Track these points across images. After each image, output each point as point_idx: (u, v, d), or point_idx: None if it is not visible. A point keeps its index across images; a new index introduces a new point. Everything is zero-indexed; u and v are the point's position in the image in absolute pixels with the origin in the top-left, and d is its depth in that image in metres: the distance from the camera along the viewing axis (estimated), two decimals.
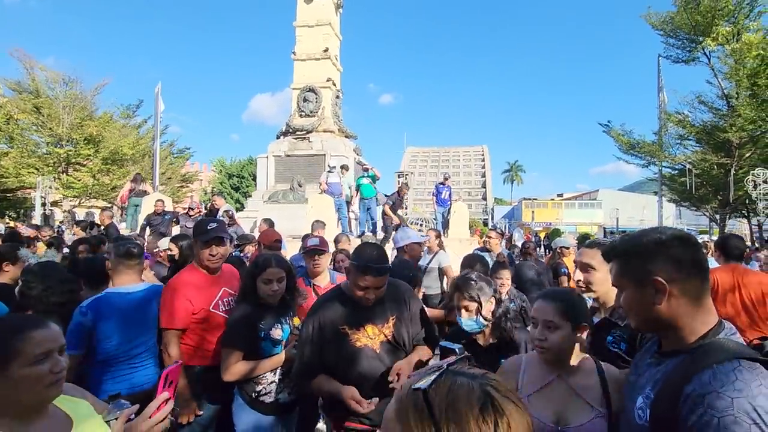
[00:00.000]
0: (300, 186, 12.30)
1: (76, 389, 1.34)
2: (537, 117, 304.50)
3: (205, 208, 10.40)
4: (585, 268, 1.90)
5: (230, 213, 8.10)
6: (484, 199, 69.27)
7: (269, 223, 6.94)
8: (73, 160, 19.49)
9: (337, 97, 13.84)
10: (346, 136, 13.87)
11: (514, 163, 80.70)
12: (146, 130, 22.01)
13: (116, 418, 1.22)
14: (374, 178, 10.36)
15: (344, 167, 10.92)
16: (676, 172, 18.81)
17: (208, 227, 2.39)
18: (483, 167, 76.47)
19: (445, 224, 11.43)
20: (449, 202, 11.76)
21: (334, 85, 13.63)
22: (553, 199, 57.62)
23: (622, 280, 1.09)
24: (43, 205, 17.35)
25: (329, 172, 10.33)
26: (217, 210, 8.62)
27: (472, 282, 1.97)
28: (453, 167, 73.84)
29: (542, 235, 29.12)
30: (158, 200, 9.28)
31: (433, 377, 0.61)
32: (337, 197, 10.01)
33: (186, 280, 2.37)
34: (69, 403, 1.24)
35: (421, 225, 21.82)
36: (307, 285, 2.94)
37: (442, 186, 11.72)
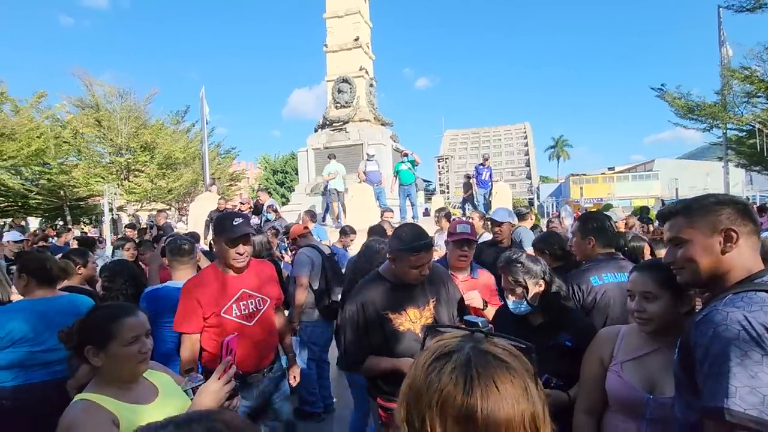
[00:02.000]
0: None
1: (157, 365, 1.59)
2: (582, 88, 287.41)
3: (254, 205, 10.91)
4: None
5: (274, 207, 8.45)
6: (529, 177, 66.90)
7: (311, 214, 7.19)
8: (133, 167, 20.99)
9: (371, 85, 13.90)
10: (382, 124, 13.94)
11: (559, 138, 77.08)
12: (194, 134, 23.24)
13: (192, 389, 1.43)
14: (413, 164, 10.36)
15: (331, 156, 11.10)
16: (744, 134, 17.21)
17: (234, 223, 2.17)
18: (526, 145, 73.70)
19: (487, 206, 11.26)
20: (490, 183, 11.55)
21: (367, 73, 13.68)
22: (603, 173, 54.54)
23: (690, 230, 1.13)
24: (111, 210, 18.92)
25: (367, 160, 10.47)
26: (262, 205, 9.03)
27: (519, 265, 1.90)
28: (494, 147, 71.75)
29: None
30: (220, 198, 9.94)
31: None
32: (376, 185, 10.14)
33: (201, 282, 2.23)
34: (155, 375, 1.48)
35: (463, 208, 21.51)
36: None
37: (482, 167, 11.52)
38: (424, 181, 11.92)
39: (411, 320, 2.01)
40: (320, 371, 3.88)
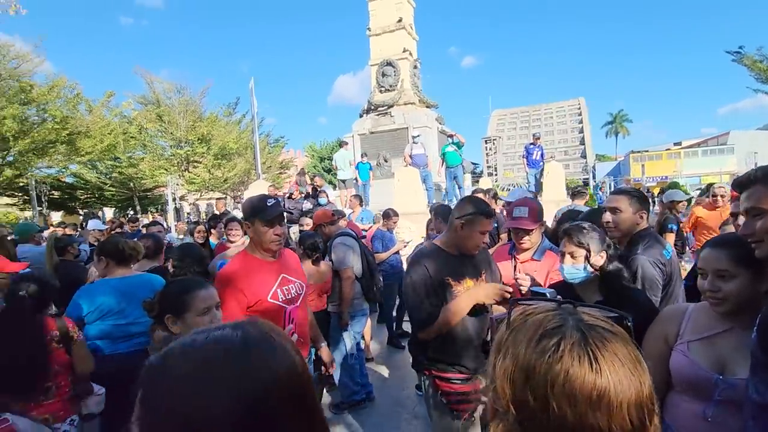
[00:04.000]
0: (386, 161, 12.61)
1: None
2: (644, 57, 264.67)
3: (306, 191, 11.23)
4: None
5: (325, 191, 8.65)
6: (584, 156, 63.32)
7: (359, 199, 7.31)
8: (192, 159, 22.34)
9: (415, 67, 13.68)
10: (427, 106, 13.74)
11: (617, 113, 71.83)
12: (246, 125, 24.23)
13: None
14: (459, 145, 10.17)
15: (342, 144, 11.19)
16: None
17: (268, 204, 2.10)
18: (580, 122, 69.56)
19: (539, 186, 10.85)
20: (541, 163, 11.10)
21: (411, 55, 13.48)
22: (668, 149, 50.34)
23: None
24: (174, 199, 20.35)
25: (413, 144, 10.40)
26: (319, 189, 9.27)
27: (584, 229, 1.83)
28: (545, 126, 68.39)
29: (656, 191, 25.89)
30: (270, 185, 10.38)
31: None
32: (422, 168, 10.08)
33: (240, 269, 2.11)
34: None
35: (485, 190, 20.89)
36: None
37: (532, 146, 11.08)
38: (472, 163, 11.68)
39: (467, 289, 2.09)
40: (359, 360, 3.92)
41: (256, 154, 15.97)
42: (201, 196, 24.11)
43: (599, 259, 1.78)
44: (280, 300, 2.09)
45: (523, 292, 2.19)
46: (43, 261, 4.18)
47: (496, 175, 23.57)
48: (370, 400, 3.76)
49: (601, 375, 0.54)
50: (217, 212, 10.04)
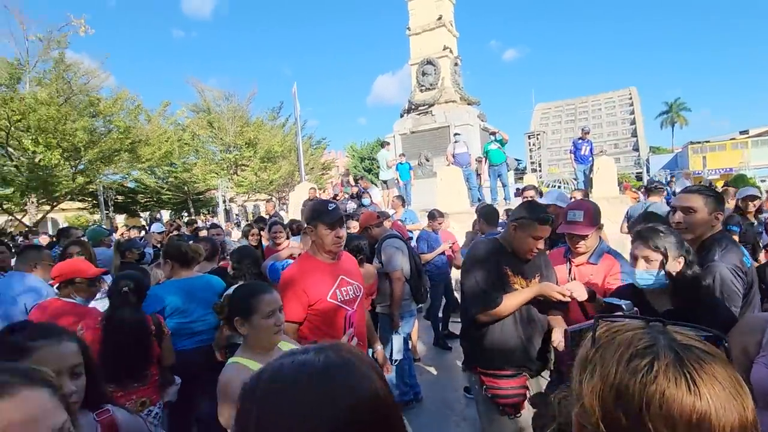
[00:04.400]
0: (427, 160, 12.56)
1: (286, 336, 1.81)
2: (703, 40, 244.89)
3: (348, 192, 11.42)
4: None
5: (368, 192, 8.75)
6: (636, 149, 59.79)
7: (401, 199, 7.35)
8: (240, 162, 23.37)
9: (456, 64, 13.52)
10: (468, 104, 13.54)
11: (674, 102, 66.89)
12: (289, 128, 25.00)
13: None
14: (502, 143, 9.94)
15: (384, 144, 11.15)
16: None
17: (330, 208, 2.21)
18: (632, 113, 65.68)
19: (588, 183, 10.39)
20: (591, 158, 10.61)
21: (451, 52, 13.33)
22: (733, 139, 46.35)
23: None
24: (224, 201, 21.38)
25: (455, 142, 10.29)
26: (364, 190, 9.41)
27: (661, 232, 1.71)
28: (593, 118, 65.20)
29: (719, 185, 23.96)
30: (311, 187, 10.68)
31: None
32: (465, 167, 9.95)
33: (302, 269, 2.23)
34: (286, 345, 1.69)
35: (559, 187, 20.13)
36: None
37: (580, 141, 10.61)
38: (516, 160, 11.37)
39: (521, 287, 2.11)
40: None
41: (299, 157, 16.42)
42: (248, 197, 25.16)
43: (677, 264, 1.67)
44: (339, 300, 2.17)
45: (580, 301, 2.14)
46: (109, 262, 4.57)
47: (540, 171, 22.76)
48: (417, 401, 3.78)
49: (700, 398, 0.52)
50: (267, 214, 10.48)
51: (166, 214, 27.57)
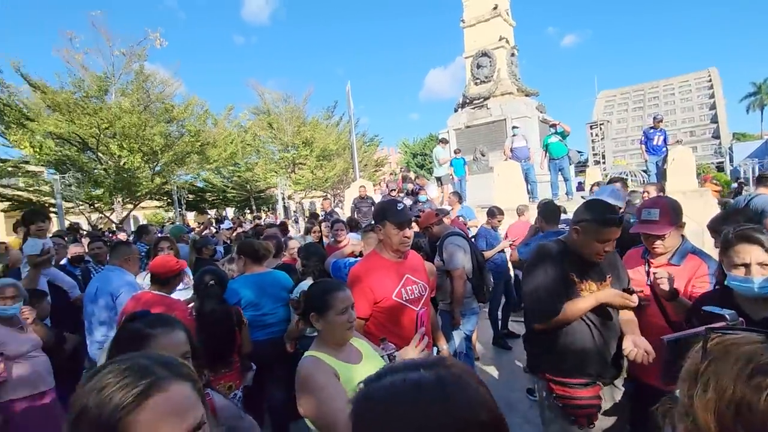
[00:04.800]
0: (483, 155, 12.30)
1: (357, 333, 1.88)
2: None
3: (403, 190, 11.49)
4: None
5: (424, 189, 8.76)
6: (716, 137, 54.15)
7: (458, 196, 7.28)
8: (297, 161, 24.31)
9: (512, 54, 13.07)
10: (526, 95, 13.04)
11: (764, 82, 59.63)
12: (343, 126, 25.56)
13: (388, 355, 1.68)
14: (563, 135, 9.47)
15: (442, 141, 10.79)
16: None
17: (399, 208, 2.24)
18: (711, 96, 59.49)
19: (661, 175, 9.62)
20: (664, 149, 9.81)
21: (508, 42, 12.89)
22: None
23: None
24: (283, 199, 22.38)
25: (513, 136, 9.98)
26: (420, 187, 9.45)
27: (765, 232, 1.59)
28: (665, 105, 59.95)
29: None
30: (361, 186, 10.86)
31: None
32: (524, 161, 9.62)
33: (369, 267, 2.28)
34: (357, 341, 1.77)
35: (625, 180, 18.83)
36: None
37: (652, 131, 9.83)
38: (578, 152, 10.75)
39: (589, 291, 1.99)
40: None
41: (353, 154, 16.77)
42: (305, 195, 26.12)
43: None
44: (404, 299, 2.20)
45: (664, 292, 2.00)
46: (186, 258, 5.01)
47: (603, 163, 21.34)
48: None
49: None
50: (324, 211, 10.84)
51: (230, 211, 29.36)
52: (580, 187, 12.90)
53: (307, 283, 3.22)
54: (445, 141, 12.00)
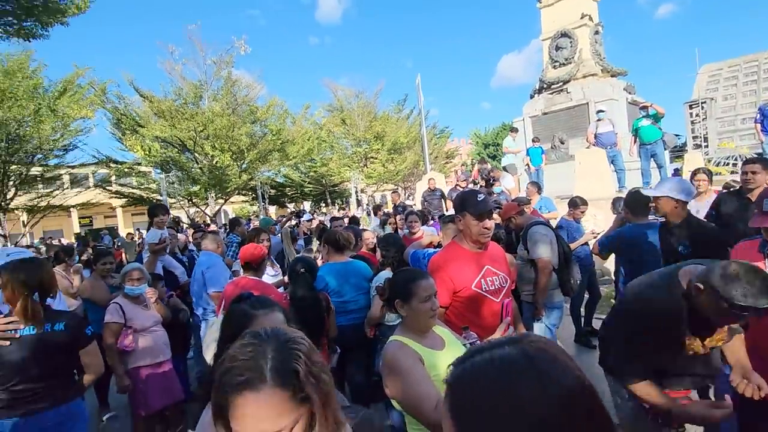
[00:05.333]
0: (562, 143, 11.61)
1: (438, 321, 1.92)
2: None
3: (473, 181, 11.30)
4: None
5: (498, 180, 8.55)
6: None
7: (537, 186, 6.98)
8: (369, 155, 24.87)
9: (596, 32, 12.07)
10: (611, 75, 12.00)
11: None
12: (413, 119, 25.58)
13: (470, 343, 1.73)
14: (657, 117, 8.57)
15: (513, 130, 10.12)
16: None
17: (479, 199, 2.23)
18: None
19: None
20: None
21: (591, 19, 11.93)
22: None
23: None
24: (356, 192, 23.09)
25: (598, 120, 9.26)
26: (494, 179, 9.23)
27: None
28: None
29: None
30: (430, 178, 10.84)
31: None
32: (609, 148, 8.91)
33: (448, 257, 2.29)
34: (439, 329, 1.84)
35: (735, 164, 16.53)
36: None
37: None
38: (675, 136, 9.64)
39: (704, 346, 1.71)
40: None
41: (423, 147, 16.74)
42: (377, 188, 26.67)
43: None
44: (483, 290, 2.20)
45: None
46: (276, 248, 5.48)
47: (706, 146, 18.74)
48: None
49: None
50: (394, 204, 11.02)
51: (307, 205, 30.96)
52: (677, 174, 11.62)
53: (387, 273, 3.36)
54: (515, 130, 11.55)
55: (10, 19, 6.45)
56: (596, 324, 5.04)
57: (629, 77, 12.33)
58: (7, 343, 2.05)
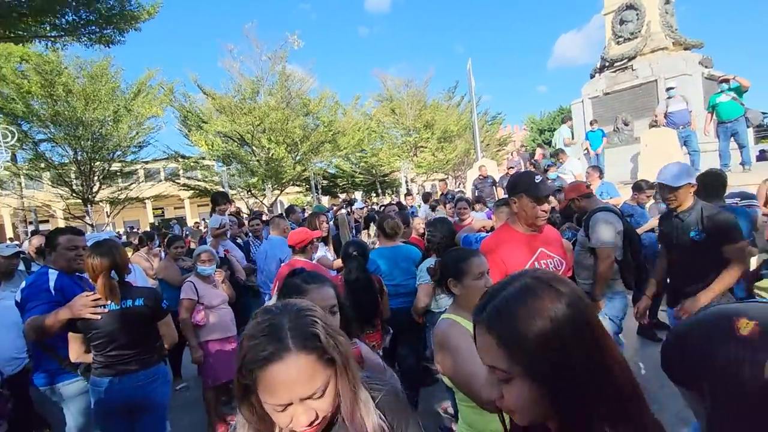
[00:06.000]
0: (626, 125, 10.83)
1: None
2: None
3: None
4: None
5: (565, 165, 8.21)
6: None
7: (598, 171, 6.61)
8: (419, 144, 24.70)
9: (667, 2, 11.04)
10: (685, 49, 10.96)
11: None
12: (464, 106, 24.99)
13: None
14: (739, 91, 7.71)
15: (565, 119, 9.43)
16: None
17: (537, 180, 2.20)
18: None
19: None
20: None
21: None
22: None
23: None
24: (406, 182, 23.10)
25: (668, 98, 8.53)
26: (552, 164, 8.89)
27: None
28: None
29: None
30: (481, 165, 10.60)
31: None
32: (682, 127, 8.18)
33: (501, 240, 2.26)
34: None
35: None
36: None
37: None
38: (762, 113, 8.61)
39: None
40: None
41: (475, 135, 16.34)
42: (428, 177, 26.47)
43: None
44: None
45: None
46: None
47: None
48: None
49: None
50: (443, 193, 10.94)
51: (358, 195, 31.47)
52: (762, 155, 10.43)
53: (431, 260, 3.36)
54: (567, 119, 11.09)
55: (94, 28, 7.13)
56: (662, 316, 4.73)
57: (706, 50, 11.21)
58: (99, 316, 2.33)
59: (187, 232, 14.19)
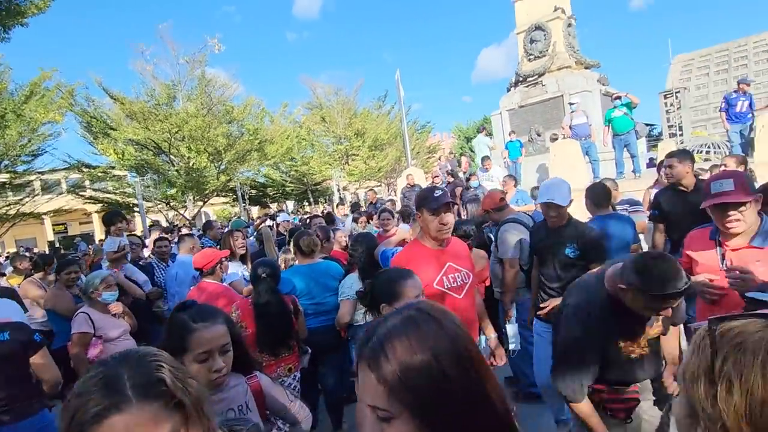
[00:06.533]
0: (539, 135, 11.73)
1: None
2: None
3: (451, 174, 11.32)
4: None
5: (475, 174, 8.58)
6: None
7: (513, 179, 7.02)
8: (350, 152, 24.72)
9: (569, 25, 12.20)
10: (585, 68, 12.16)
11: None
12: (394, 115, 25.51)
13: None
14: (630, 106, 8.71)
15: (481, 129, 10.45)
16: None
17: (435, 194, 2.19)
18: None
19: (747, 145, 8.57)
20: (750, 115, 8.69)
21: (564, 12, 12.05)
22: None
23: None
24: (338, 190, 22.96)
25: (572, 112, 9.38)
26: (472, 173, 9.24)
27: None
28: (755, 64, 52.72)
29: None
30: (408, 174, 10.83)
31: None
32: (583, 139, 9.03)
33: (410, 255, 2.26)
34: None
35: (707, 152, 16.96)
36: None
37: (735, 95, 8.72)
38: (647, 125, 9.81)
39: (641, 347, 1.78)
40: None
41: (405, 143, 16.66)
42: (360, 185, 26.53)
43: None
44: (445, 287, 2.17)
45: (743, 285, 1.78)
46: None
47: (681, 135, 19.20)
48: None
49: None
50: (371, 202, 10.98)
51: (290, 204, 30.64)
52: (652, 163, 11.86)
53: (353, 276, 3.29)
54: (483, 129, 11.87)
55: None
56: None
57: (604, 69, 12.53)
58: None
59: (94, 250, 12.75)
